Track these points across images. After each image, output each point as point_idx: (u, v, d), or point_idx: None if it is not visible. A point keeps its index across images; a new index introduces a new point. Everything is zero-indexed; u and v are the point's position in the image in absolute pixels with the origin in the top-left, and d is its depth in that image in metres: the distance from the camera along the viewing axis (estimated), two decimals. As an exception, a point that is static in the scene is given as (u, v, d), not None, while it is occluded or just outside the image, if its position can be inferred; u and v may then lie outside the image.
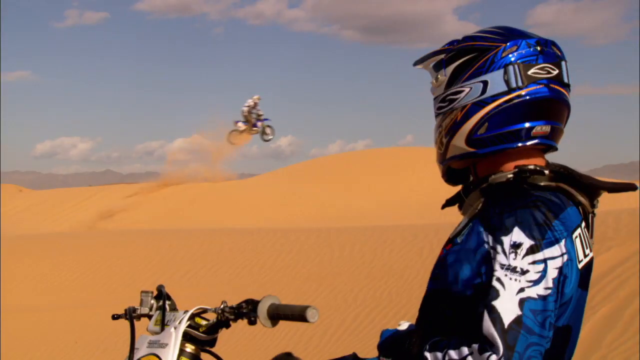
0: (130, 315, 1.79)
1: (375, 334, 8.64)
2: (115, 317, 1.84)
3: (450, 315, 1.62)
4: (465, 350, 1.47)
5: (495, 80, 1.64)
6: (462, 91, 1.68)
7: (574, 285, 1.56)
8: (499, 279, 1.47)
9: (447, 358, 1.49)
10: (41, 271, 14.55)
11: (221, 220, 30.38)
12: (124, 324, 1.78)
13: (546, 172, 1.64)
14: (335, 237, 13.81)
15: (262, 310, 1.66)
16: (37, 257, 15.36)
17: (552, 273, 1.49)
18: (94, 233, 21.01)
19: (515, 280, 1.46)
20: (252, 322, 1.68)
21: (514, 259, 1.48)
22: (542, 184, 1.62)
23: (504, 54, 1.65)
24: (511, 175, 1.63)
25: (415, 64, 1.81)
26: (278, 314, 1.65)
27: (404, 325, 1.78)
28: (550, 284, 1.48)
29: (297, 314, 1.62)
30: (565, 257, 1.52)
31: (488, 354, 1.42)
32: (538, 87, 1.63)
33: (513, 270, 1.47)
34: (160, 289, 1.83)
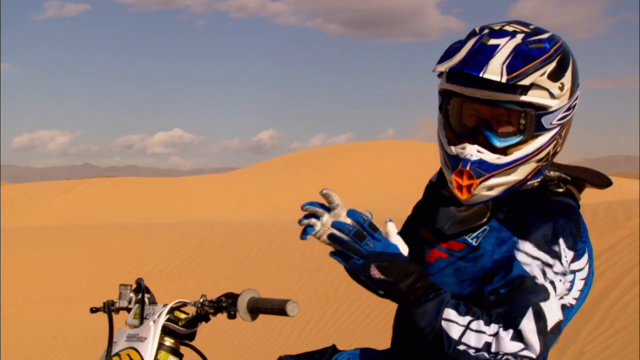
0: (109, 308, 1.77)
1: (356, 327, 8.67)
2: (93, 310, 1.83)
3: None
4: (492, 327, 1.47)
5: None
6: (578, 95, 1.65)
7: (590, 287, 1.62)
8: (548, 283, 1.50)
9: (471, 324, 1.48)
10: (19, 265, 14.40)
11: (202, 213, 30.28)
12: (103, 317, 1.76)
13: (569, 178, 1.68)
14: (316, 230, 13.81)
15: (242, 304, 1.66)
16: (15, 251, 15.20)
17: (578, 285, 1.56)
18: (73, 227, 20.83)
19: (558, 287, 1.51)
20: (231, 316, 1.67)
21: (561, 267, 1.52)
22: (560, 190, 1.66)
23: None
24: (537, 184, 1.66)
25: (518, 77, 1.51)
26: (258, 308, 1.65)
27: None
28: (577, 295, 1.55)
29: (277, 308, 1.62)
30: (587, 266, 1.59)
31: (521, 347, 1.45)
32: None
33: (559, 275, 1.52)
34: (139, 282, 1.82)
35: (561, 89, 1.56)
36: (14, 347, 10.39)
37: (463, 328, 1.48)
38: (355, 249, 1.55)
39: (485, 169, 1.56)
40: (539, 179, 1.65)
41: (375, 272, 1.54)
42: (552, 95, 1.55)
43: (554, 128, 1.59)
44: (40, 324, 11.32)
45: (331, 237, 1.58)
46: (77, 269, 14.03)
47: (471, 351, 1.46)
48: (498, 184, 1.58)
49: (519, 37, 1.56)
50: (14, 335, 10.75)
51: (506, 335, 1.45)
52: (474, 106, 1.60)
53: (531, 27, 1.61)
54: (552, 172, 1.68)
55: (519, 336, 1.45)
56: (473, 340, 1.46)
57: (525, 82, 1.51)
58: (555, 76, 1.55)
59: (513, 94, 1.53)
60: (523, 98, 1.54)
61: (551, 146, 1.60)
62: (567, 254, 1.53)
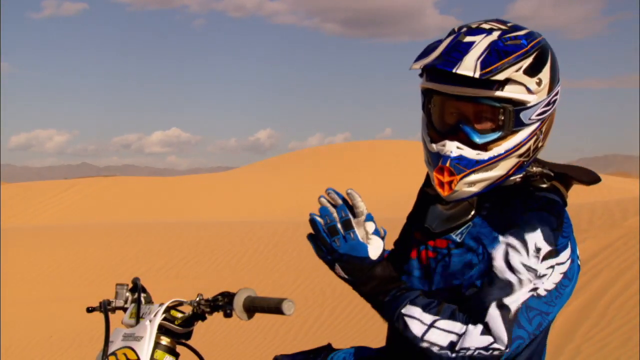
0: (105, 307, 1.77)
1: (352, 326, 8.68)
2: (89, 310, 1.83)
3: None
4: (459, 325, 1.49)
5: None
6: (559, 89, 1.65)
7: (575, 283, 1.61)
8: (519, 279, 1.51)
9: (436, 323, 1.50)
10: (16, 264, 14.38)
11: (199, 213, 30.27)
12: (99, 317, 1.76)
13: (552, 174, 1.68)
14: (313, 230, 13.81)
15: (238, 303, 1.66)
16: (11, 251, 15.17)
17: (555, 277, 1.54)
18: (70, 227, 20.80)
19: (532, 282, 1.51)
20: (227, 315, 1.67)
21: (535, 262, 1.52)
22: (543, 185, 1.66)
23: None
24: (519, 179, 1.66)
25: (492, 72, 1.51)
26: (254, 307, 1.65)
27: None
28: (550, 287, 1.54)
29: (273, 307, 1.62)
30: (569, 261, 1.57)
31: (490, 340, 1.46)
32: None
33: (534, 272, 1.51)
34: (135, 281, 1.82)
35: (539, 84, 1.57)
36: (10, 347, 10.38)
37: (426, 326, 1.50)
38: (326, 243, 1.60)
39: (465, 165, 1.57)
40: (521, 175, 1.66)
41: (338, 270, 1.61)
42: (529, 91, 1.57)
43: (534, 123, 1.60)
44: (36, 323, 11.31)
45: (311, 221, 1.63)
46: (74, 269, 14.01)
47: (434, 349, 1.49)
48: (479, 179, 1.59)
49: (495, 34, 1.58)
50: (10, 335, 10.73)
51: (476, 330, 1.47)
52: (454, 104, 1.61)
53: (509, 24, 1.63)
54: (534, 168, 1.68)
55: (487, 330, 1.47)
56: (436, 338, 1.49)
57: (500, 77, 1.52)
58: (532, 71, 1.57)
59: (489, 90, 1.54)
60: (499, 93, 1.55)
61: (532, 141, 1.61)
62: (543, 248, 1.53)
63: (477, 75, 1.50)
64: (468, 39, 1.57)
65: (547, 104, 1.60)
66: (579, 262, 1.63)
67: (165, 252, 14.00)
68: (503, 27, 1.61)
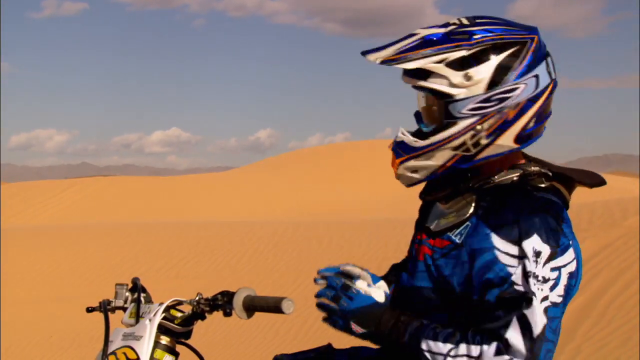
0: (105, 307, 1.78)
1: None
2: (89, 310, 1.83)
3: (438, 309, 1.63)
4: (474, 348, 1.48)
5: (542, 74, 1.60)
6: (517, 88, 1.57)
7: (579, 283, 1.60)
8: (528, 288, 1.48)
9: (452, 351, 1.49)
10: (16, 265, 14.38)
11: (199, 212, 30.26)
12: (99, 317, 1.77)
13: (550, 174, 1.66)
14: (313, 230, 13.85)
15: (238, 302, 1.66)
16: (11, 251, 15.17)
17: (564, 280, 1.52)
18: (69, 226, 20.80)
19: (541, 289, 1.48)
20: (227, 314, 1.68)
21: (536, 267, 1.49)
22: (542, 185, 1.64)
23: (539, 45, 1.61)
24: (516, 178, 1.64)
25: (397, 60, 1.56)
26: (254, 306, 1.65)
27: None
28: (562, 291, 1.51)
29: (273, 306, 1.62)
30: (575, 262, 1.56)
31: (506, 358, 1.45)
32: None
33: (537, 278, 1.49)
34: (135, 281, 1.82)
35: (467, 78, 1.56)
36: (10, 347, 10.38)
37: (443, 356, 1.50)
38: (336, 311, 1.63)
39: (403, 150, 1.65)
40: (518, 173, 1.65)
41: (355, 327, 1.62)
42: (452, 84, 1.57)
43: (467, 117, 1.58)
44: (36, 323, 11.31)
45: (318, 305, 1.67)
46: (74, 269, 14.01)
47: None
48: (419, 167, 1.64)
49: (450, 28, 1.59)
50: (10, 335, 10.73)
51: (490, 350, 1.46)
52: (419, 94, 1.70)
53: (480, 20, 1.61)
54: (533, 167, 1.66)
55: (504, 348, 1.45)
56: None
57: (408, 65, 1.57)
58: (459, 65, 1.56)
59: (416, 79, 1.60)
60: (422, 83, 1.59)
61: (467, 136, 1.59)
62: (544, 251, 1.51)
63: (378, 62, 1.58)
64: (417, 31, 1.61)
65: (485, 101, 1.56)
66: (580, 262, 1.62)
67: (165, 252, 13.99)
68: (467, 22, 1.60)
